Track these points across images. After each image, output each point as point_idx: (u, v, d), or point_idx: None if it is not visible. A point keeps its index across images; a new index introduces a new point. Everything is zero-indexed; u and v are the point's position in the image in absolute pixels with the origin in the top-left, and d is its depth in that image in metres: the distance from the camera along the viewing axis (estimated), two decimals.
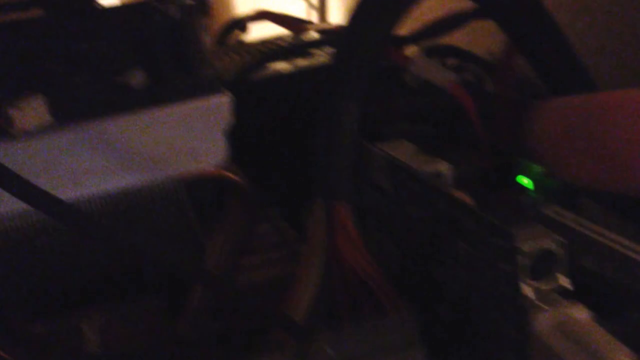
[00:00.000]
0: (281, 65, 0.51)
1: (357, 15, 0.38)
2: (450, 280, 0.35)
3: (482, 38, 0.50)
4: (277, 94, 0.48)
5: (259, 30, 0.68)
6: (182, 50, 0.37)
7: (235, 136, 0.38)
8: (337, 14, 1.02)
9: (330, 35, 0.56)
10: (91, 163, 0.36)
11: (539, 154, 0.29)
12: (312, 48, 0.53)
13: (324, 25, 0.68)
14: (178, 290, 0.40)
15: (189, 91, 0.38)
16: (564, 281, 0.30)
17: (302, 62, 0.51)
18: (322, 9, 1.03)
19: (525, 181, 0.43)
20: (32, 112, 0.35)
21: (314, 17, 1.03)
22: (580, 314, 0.29)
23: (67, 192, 0.36)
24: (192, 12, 0.37)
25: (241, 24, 0.66)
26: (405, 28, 0.44)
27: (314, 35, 0.59)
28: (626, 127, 0.25)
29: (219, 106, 0.38)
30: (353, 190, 0.36)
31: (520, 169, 0.43)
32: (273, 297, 0.36)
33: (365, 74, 0.38)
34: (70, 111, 0.36)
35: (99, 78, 0.37)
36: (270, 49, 0.56)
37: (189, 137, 0.37)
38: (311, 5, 1.04)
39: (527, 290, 0.30)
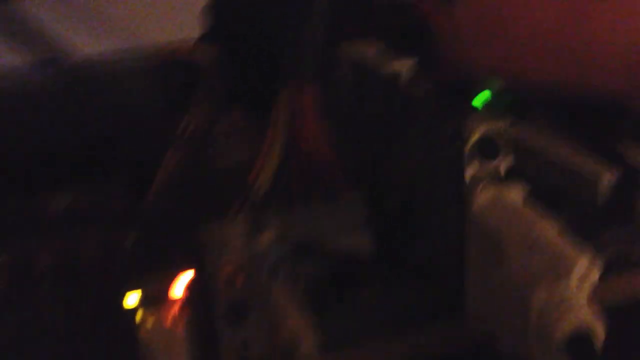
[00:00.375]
0: None
1: None
2: (400, 169, 0.36)
3: None
4: None
5: None
6: None
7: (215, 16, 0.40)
8: None
9: None
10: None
11: (453, 47, 0.28)
12: None
13: None
14: (144, 172, 0.40)
15: None
16: (505, 163, 0.31)
17: None
18: None
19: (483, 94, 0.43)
20: None
21: None
22: (516, 191, 0.30)
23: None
24: None
25: None
26: None
27: None
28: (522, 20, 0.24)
29: None
30: (318, 77, 0.37)
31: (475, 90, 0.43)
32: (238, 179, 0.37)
33: None
34: None
35: None
36: None
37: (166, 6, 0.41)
38: None
39: (470, 170, 0.31)
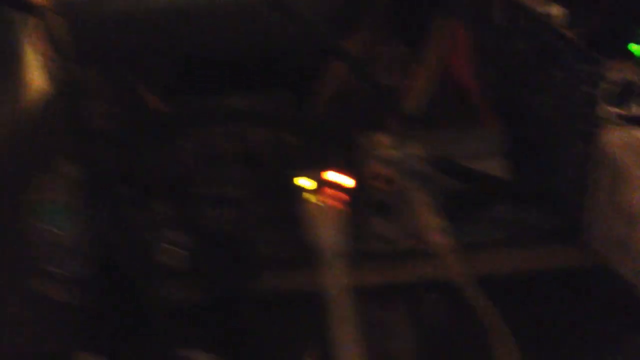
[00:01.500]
0: None
1: None
2: (538, 105, 0.40)
3: None
4: None
5: None
6: None
7: None
8: None
9: None
10: None
11: None
12: None
13: None
14: (307, 85, 0.44)
15: None
16: (638, 111, 0.35)
17: None
18: None
19: (634, 48, 0.43)
20: None
21: None
22: None
23: None
24: None
25: None
26: None
27: None
28: None
29: None
30: (470, 12, 0.42)
31: (633, 36, 0.43)
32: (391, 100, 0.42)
33: None
34: None
35: None
36: None
37: None
38: None
39: (604, 112, 0.35)
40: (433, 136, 0.40)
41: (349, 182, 0.35)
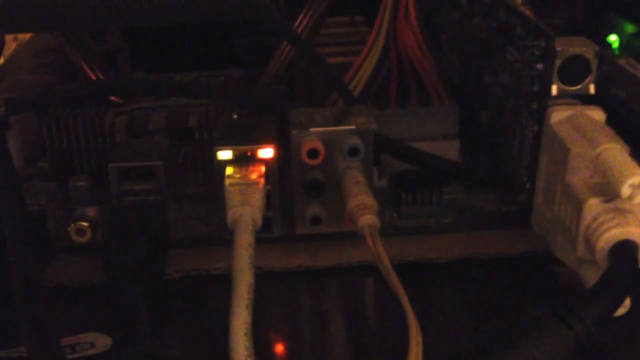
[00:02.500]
0: None
1: None
2: (494, 84, 0.38)
3: None
4: None
5: None
6: None
7: None
8: None
9: None
10: None
11: None
12: None
13: None
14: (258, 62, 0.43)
15: None
16: (590, 87, 0.32)
17: None
18: None
19: (612, 38, 0.44)
20: None
21: None
22: (593, 113, 0.32)
23: None
24: None
25: None
26: None
27: None
28: None
29: None
30: None
31: (610, 26, 0.44)
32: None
33: None
34: None
35: None
36: None
37: None
38: None
39: (554, 90, 0.32)
40: (382, 116, 0.38)
41: (273, 156, 0.33)
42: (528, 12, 0.36)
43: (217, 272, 0.33)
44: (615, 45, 0.44)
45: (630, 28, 0.43)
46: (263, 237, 0.33)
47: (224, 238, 0.33)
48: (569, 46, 0.31)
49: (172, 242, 0.34)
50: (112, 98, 0.39)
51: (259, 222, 0.30)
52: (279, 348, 0.30)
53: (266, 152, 0.33)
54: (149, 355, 0.27)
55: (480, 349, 0.24)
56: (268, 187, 0.33)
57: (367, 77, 0.38)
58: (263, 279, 0.33)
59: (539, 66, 0.32)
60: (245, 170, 0.32)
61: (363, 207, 0.30)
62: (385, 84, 0.38)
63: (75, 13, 0.34)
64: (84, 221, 0.34)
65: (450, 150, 0.38)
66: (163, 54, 0.48)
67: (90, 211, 0.35)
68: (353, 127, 0.32)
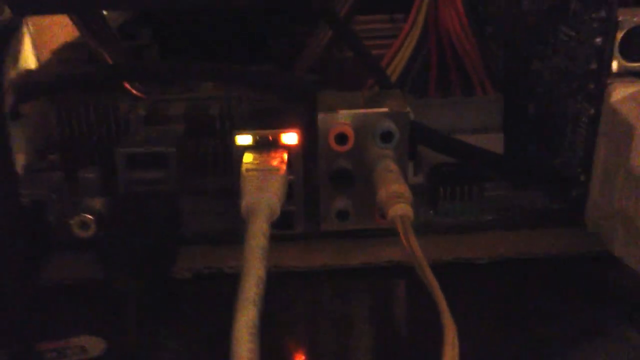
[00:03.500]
0: None
1: None
2: (543, 70, 0.34)
3: None
4: None
5: None
6: None
7: None
8: None
9: None
10: None
11: None
12: None
13: None
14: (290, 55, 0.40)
15: None
16: None
17: None
18: None
19: None
20: None
21: None
22: None
23: None
24: None
25: None
26: None
27: None
28: None
29: None
30: None
31: None
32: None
33: None
34: None
35: None
36: None
37: None
38: None
39: (615, 65, 0.29)
40: (421, 105, 0.34)
41: (298, 141, 0.30)
42: None
43: (231, 270, 0.30)
44: None
45: None
46: (283, 233, 0.30)
47: (240, 234, 0.30)
48: (632, 16, 0.28)
49: (183, 237, 0.32)
50: (129, 87, 0.37)
51: (277, 210, 0.26)
52: (297, 357, 0.27)
53: (290, 138, 0.30)
54: None
55: None
56: (291, 177, 0.30)
57: (405, 63, 0.35)
58: (281, 279, 0.30)
59: (598, 40, 0.28)
60: (267, 156, 0.29)
61: (395, 195, 0.27)
62: (424, 71, 0.35)
63: None
64: (90, 214, 0.31)
65: (494, 143, 0.34)
66: (192, 50, 0.46)
67: (98, 203, 0.32)
68: (387, 109, 0.29)
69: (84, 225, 0.31)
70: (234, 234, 0.31)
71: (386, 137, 0.29)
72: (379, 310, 0.29)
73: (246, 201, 0.26)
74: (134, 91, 0.36)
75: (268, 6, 0.40)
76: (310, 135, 0.30)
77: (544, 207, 0.33)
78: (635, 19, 0.27)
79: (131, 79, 0.35)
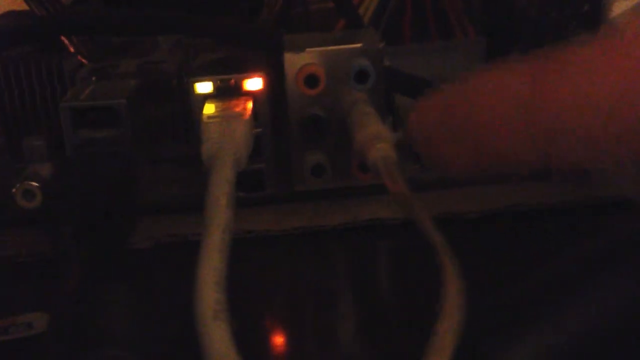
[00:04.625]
0: None
1: None
2: (526, 15, 0.32)
3: None
4: None
5: None
6: None
7: None
8: None
9: None
10: None
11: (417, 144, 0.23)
12: None
13: None
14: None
15: None
16: None
17: None
18: None
19: None
20: None
21: None
22: None
23: None
24: None
25: None
26: None
27: None
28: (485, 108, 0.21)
29: None
30: None
31: None
32: None
33: None
34: None
35: None
36: None
37: None
38: None
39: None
40: (396, 50, 0.32)
41: (263, 86, 0.27)
42: None
43: (195, 238, 0.27)
44: None
45: None
46: (252, 196, 0.27)
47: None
48: None
49: (141, 206, 0.28)
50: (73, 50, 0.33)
51: (243, 160, 0.23)
52: (273, 330, 0.24)
53: (254, 83, 0.27)
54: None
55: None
56: (257, 130, 0.27)
57: (376, 4, 0.32)
58: (253, 244, 0.27)
59: None
60: (229, 103, 0.26)
61: (374, 137, 0.24)
62: (398, 13, 0.33)
63: None
64: (34, 181, 0.28)
65: None
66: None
67: (43, 169, 0.29)
68: (360, 45, 0.27)
69: (29, 194, 0.28)
70: (196, 202, 0.28)
71: (361, 76, 0.26)
72: (363, 275, 0.27)
73: (207, 147, 0.23)
74: (78, 57, 0.33)
75: None
76: (277, 81, 0.27)
77: None
78: None
79: (75, 32, 0.31)
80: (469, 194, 0.29)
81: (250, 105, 0.26)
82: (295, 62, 0.26)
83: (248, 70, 0.27)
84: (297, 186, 0.28)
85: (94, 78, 0.30)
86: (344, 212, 0.28)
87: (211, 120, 0.24)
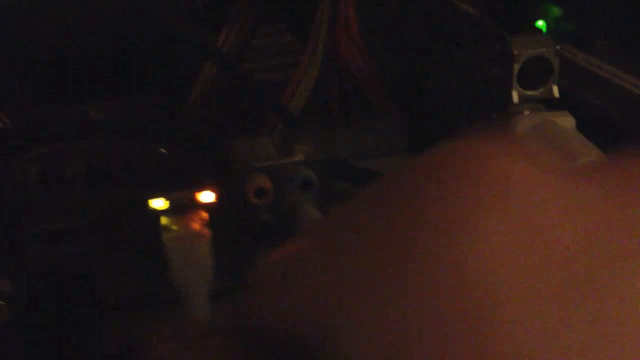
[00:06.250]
0: None
1: None
2: (442, 91, 0.35)
3: None
4: None
5: None
6: None
7: None
8: None
9: None
10: None
11: None
12: None
13: None
14: (180, 84, 0.39)
15: None
16: (554, 90, 0.30)
17: None
18: None
19: (540, 24, 0.42)
20: None
21: None
22: (562, 120, 0.29)
23: None
24: None
25: None
26: None
27: None
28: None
29: None
30: None
31: (537, 11, 0.42)
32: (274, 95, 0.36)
33: None
34: None
35: None
36: None
37: None
38: None
39: (515, 96, 0.30)
40: (324, 135, 0.35)
41: (216, 199, 0.29)
42: (472, 11, 0.34)
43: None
44: (544, 30, 0.44)
45: (555, 11, 0.42)
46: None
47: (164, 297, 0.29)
48: (526, 47, 0.29)
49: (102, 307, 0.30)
50: None
51: (211, 282, 0.26)
52: None
53: (207, 197, 0.29)
54: None
55: None
56: (215, 236, 0.29)
57: (306, 97, 0.34)
58: None
59: (496, 72, 0.30)
60: (185, 219, 0.28)
61: None
62: (325, 101, 0.35)
63: None
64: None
65: (401, 163, 0.36)
66: (68, 83, 0.44)
67: (2, 284, 0.30)
68: (303, 157, 0.29)
69: None
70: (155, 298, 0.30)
71: (306, 185, 0.29)
72: None
73: (179, 278, 0.25)
74: None
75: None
76: (227, 192, 0.29)
77: None
78: (529, 51, 0.29)
79: (19, 143, 0.32)
80: None
81: (205, 220, 0.28)
82: (246, 177, 0.28)
83: (199, 181, 0.29)
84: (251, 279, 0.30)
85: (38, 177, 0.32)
86: None
87: (174, 244, 0.27)
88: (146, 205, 0.28)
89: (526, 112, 0.29)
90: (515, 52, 0.28)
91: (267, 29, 0.41)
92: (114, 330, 0.29)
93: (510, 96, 0.29)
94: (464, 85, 0.32)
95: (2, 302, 0.28)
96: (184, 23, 0.34)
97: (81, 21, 0.40)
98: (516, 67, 0.28)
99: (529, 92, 0.29)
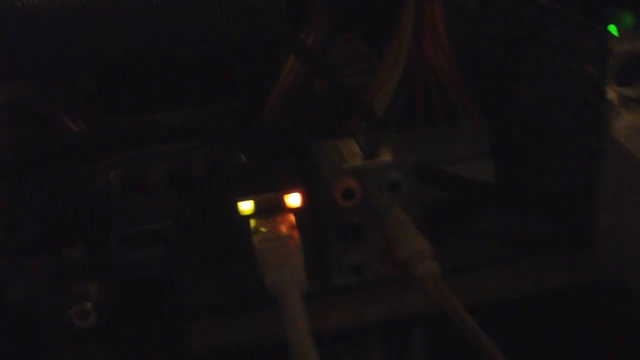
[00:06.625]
0: None
1: None
2: (527, 93, 0.34)
3: None
4: None
5: None
6: None
7: None
8: None
9: None
10: None
11: None
12: None
13: None
14: (253, 97, 0.38)
15: None
16: None
17: None
18: None
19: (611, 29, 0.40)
20: None
21: None
22: None
23: None
24: None
25: None
26: None
27: None
28: None
29: None
30: None
31: (610, 17, 0.40)
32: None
33: None
34: None
35: None
36: None
37: None
38: None
39: (612, 95, 0.28)
40: (408, 139, 0.34)
41: (303, 202, 0.29)
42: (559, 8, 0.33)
43: (250, 344, 0.29)
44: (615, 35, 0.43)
45: (629, 20, 0.40)
46: None
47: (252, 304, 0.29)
48: (624, 43, 0.28)
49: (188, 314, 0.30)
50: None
51: (305, 284, 0.25)
52: None
53: (294, 199, 0.29)
54: None
55: None
56: (303, 238, 0.29)
57: (389, 100, 0.33)
58: None
59: (591, 70, 0.29)
60: (273, 222, 0.28)
61: (418, 252, 0.26)
62: (407, 103, 0.34)
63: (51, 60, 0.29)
64: (87, 301, 0.29)
65: (484, 170, 0.34)
66: (141, 92, 0.44)
67: (91, 287, 0.30)
68: (391, 159, 0.29)
69: (84, 314, 0.29)
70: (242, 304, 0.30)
71: (393, 186, 0.29)
72: None
73: (271, 279, 0.25)
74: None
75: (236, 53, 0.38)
76: (313, 193, 0.29)
77: (547, 235, 0.32)
78: (626, 46, 0.28)
79: (105, 147, 0.32)
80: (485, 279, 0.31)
81: (294, 222, 0.28)
82: (333, 179, 0.28)
83: (285, 183, 0.29)
84: (336, 281, 0.30)
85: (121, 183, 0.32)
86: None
87: (263, 246, 0.26)
88: (235, 208, 0.28)
89: (623, 112, 0.28)
90: (611, 47, 0.28)
91: (339, 37, 0.41)
92: (202, 335, 0.29)
93: (605, 95, 0.28)
94: (551, 86, 0.31)
95: (90, 305, 0.29)
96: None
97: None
98: (614, 63, 0.27)
99: (626, 91, 0.28)
